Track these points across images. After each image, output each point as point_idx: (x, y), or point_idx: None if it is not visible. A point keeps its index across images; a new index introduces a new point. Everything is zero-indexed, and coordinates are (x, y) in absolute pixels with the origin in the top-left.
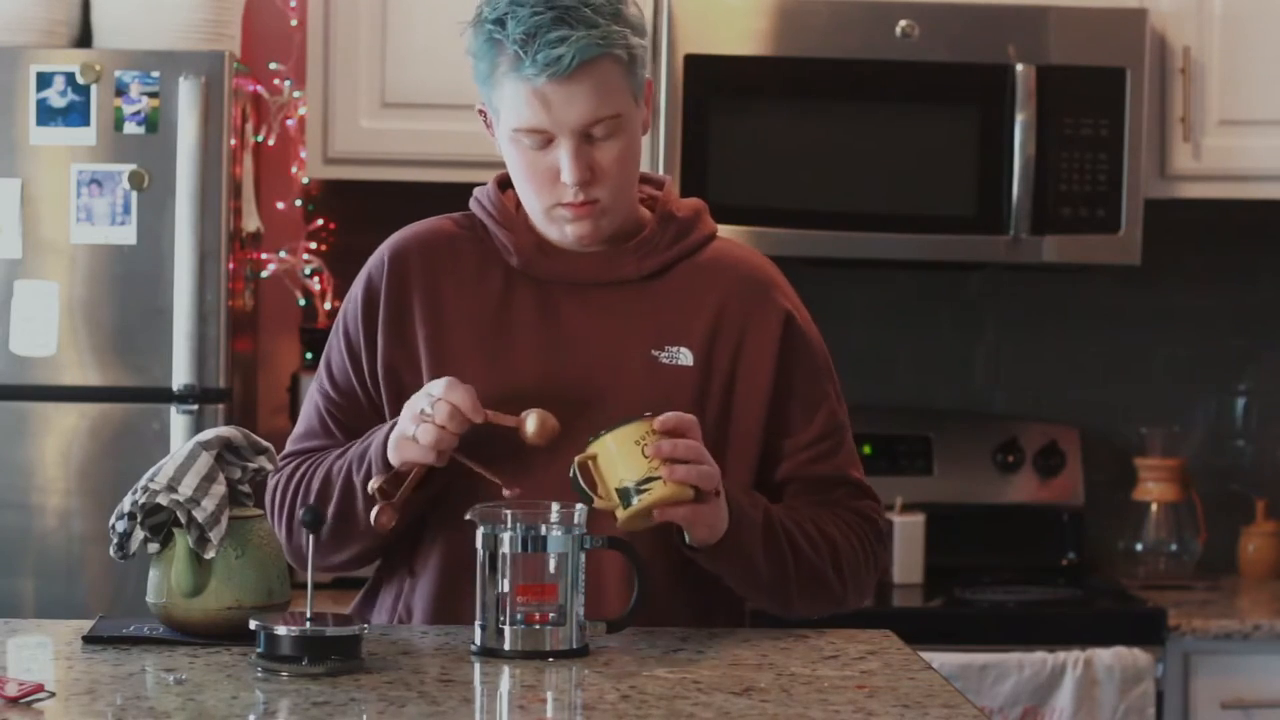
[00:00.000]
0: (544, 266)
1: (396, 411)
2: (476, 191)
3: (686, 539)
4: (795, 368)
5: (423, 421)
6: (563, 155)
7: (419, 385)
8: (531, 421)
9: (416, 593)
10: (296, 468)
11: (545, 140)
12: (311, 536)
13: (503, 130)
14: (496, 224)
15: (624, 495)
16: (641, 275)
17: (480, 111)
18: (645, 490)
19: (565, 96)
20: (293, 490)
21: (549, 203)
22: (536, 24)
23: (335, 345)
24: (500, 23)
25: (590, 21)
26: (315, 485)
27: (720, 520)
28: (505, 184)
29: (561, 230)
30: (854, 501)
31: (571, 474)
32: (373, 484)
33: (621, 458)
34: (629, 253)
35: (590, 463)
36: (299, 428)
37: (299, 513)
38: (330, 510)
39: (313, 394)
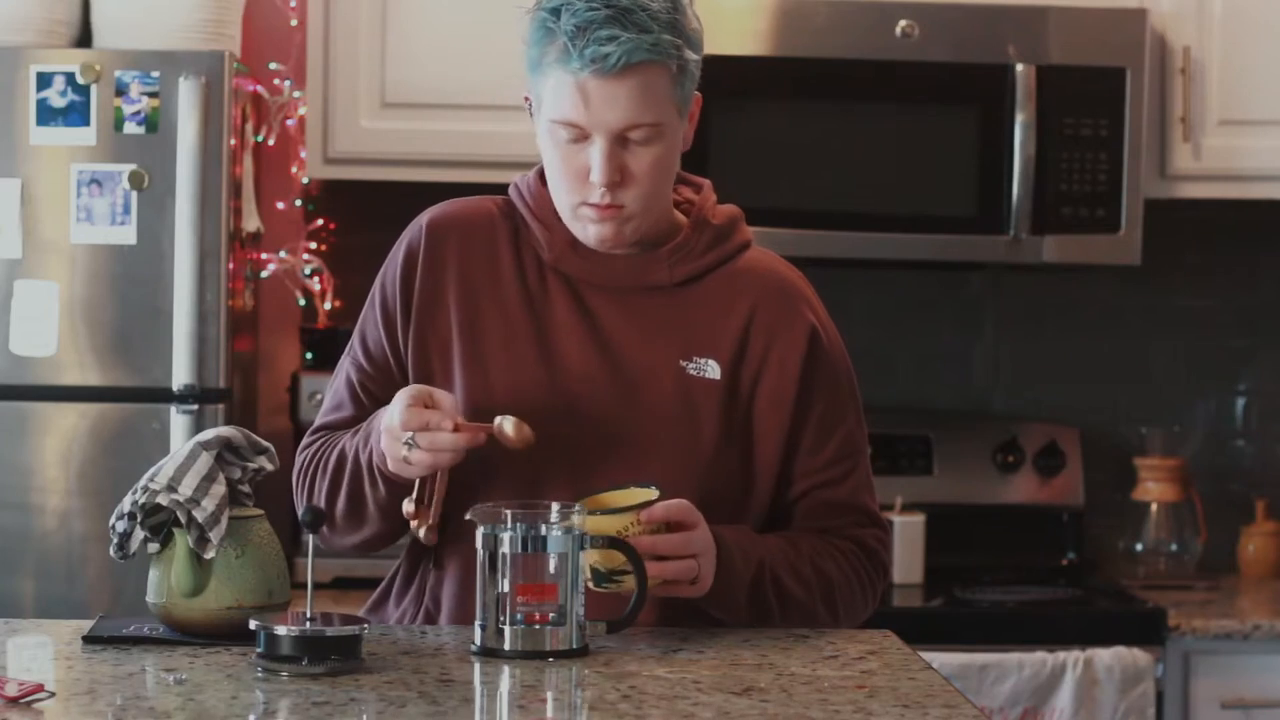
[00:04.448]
0: (576, 265)
1: (422, 382)
2: (517, 180)
3: None
4: (816, 385)
5: (413, 448)
6: (595, 155)
7: (446, 368)
8: (509, 426)
9: (444, 585)
10: (323, 444)
11: (580, 136)
12: (312, 536)
13: (541, 120)
14: (534, 217)
15: (596, 576)
16: (674, 282)
17: (526, 98)
18: (617, 581)
19: (607, 95)
20: (312, 468)
21: (576, 200)
22: (590, 19)
23: (370, 316)
24: (556, 13)
25: (644, 26)
26: (332, 463)
27: (699, 591)
28: (545, 176)
29: (584, 229)
30: (859, 530)
31: None
32: (406, 508)
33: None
34: (662, 258)
35: None
36: (328, 402)
37: (315, 497)
38: (343, 491)
39: (344, 368)
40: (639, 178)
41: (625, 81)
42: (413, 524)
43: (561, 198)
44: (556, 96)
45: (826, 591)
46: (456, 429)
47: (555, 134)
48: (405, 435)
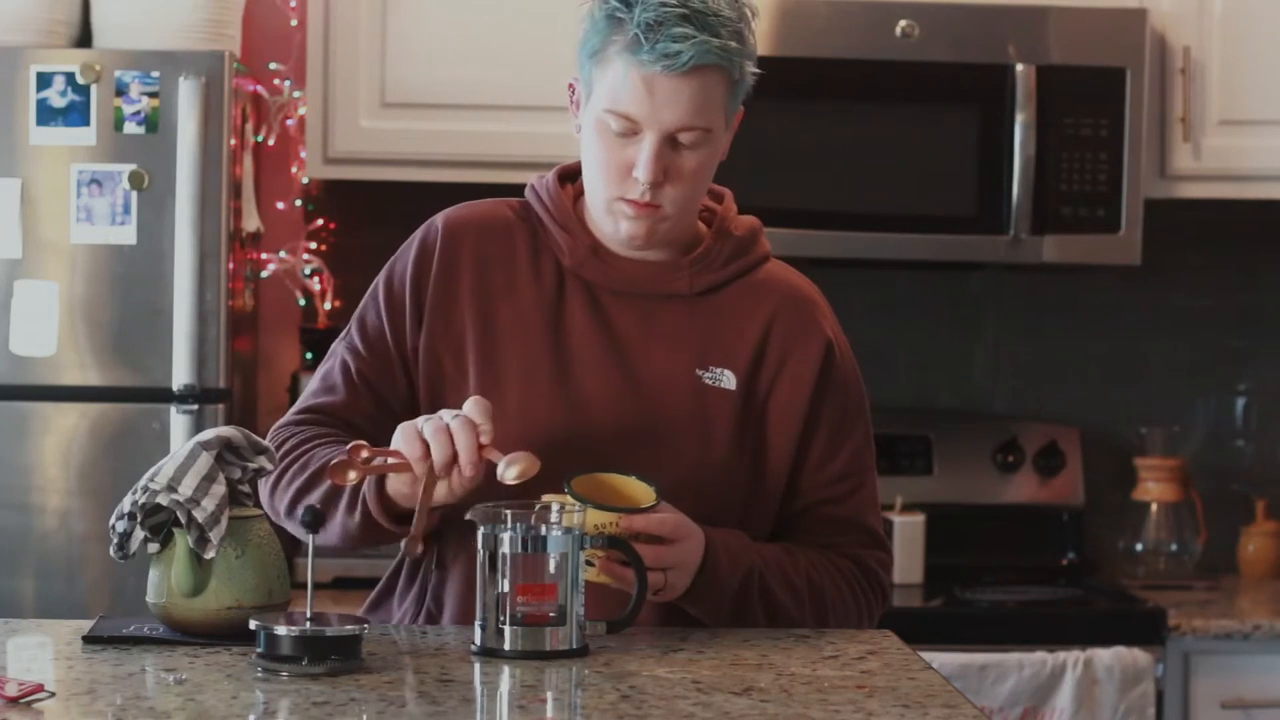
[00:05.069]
0: (596, 271)
1: (427, 394)
2: (534, 182)
3: None
4: (828, 400)
5: (438, 419)
6: (644, 150)
7: (460, 371)
8: (513, 471)
9: (447, 586)
10: (305, 439)
11: (631, 130)
12: (311, 536)
13: (591, 109)
14: (553, 220)
15: None
16: (694, 292)
17: (570, 86)
18: (586, 566)
19: (669, 92)
20: (289, 460)
21: (614, 194)
22: (665, 15)
23: (373, 307)
24: (628, 4)
25: (715, 30)
26: (311, 467)
27: (661, 599)
28: (564, 178)
29: (617, 226)
30: (861, 550)
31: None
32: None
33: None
34: (684, 268)
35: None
36: (316, 384)
37: (281, 487)
38: (313, 498)
39: (337, 352)
40: (681, 180)
41: (689, 82)
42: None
43: (599, 191)
44: (616, 87)
45: (818, 606)
46: (482, 449)
47: (605, 125)
48: (452, 413)
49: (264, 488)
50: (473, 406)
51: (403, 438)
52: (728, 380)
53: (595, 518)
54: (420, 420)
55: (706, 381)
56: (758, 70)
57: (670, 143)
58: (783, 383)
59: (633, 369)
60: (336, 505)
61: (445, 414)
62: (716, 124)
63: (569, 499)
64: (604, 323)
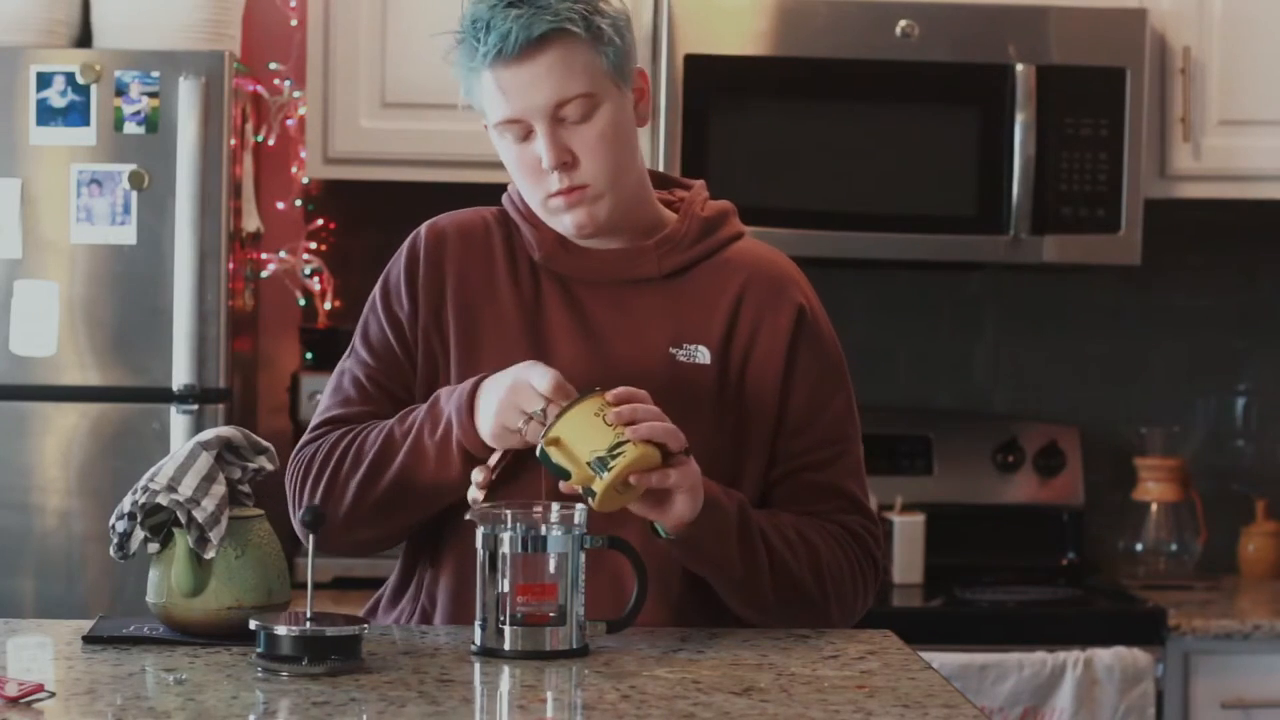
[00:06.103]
0: (566, 263)
1: (427, 385)
2: (510, 187)
3: (661, 532)
4: (801, 363)
5: (532, 420)
6: (538, 141)
7: (446, 372)
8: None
9: (440, 584)
10: (342, 436)
11: (524, 131)
12: (312, 536)
13: (491, 133)
14: (523, 219)
15: (597, 467)
16: (662, 274)
17: (485, 125)
18: (618, 455)
19: (525, 79)
20: (335, 459)
21: (542, 195)
22: (490, 11)
23: (372, 318)
24: (462, 22)
25: (542, 3)
26: (372, 450)
27: (696, 484)
28: None
29: (561, 222)
30: (844, 516)
31: (540, 454)
32: (477, 478)
33: (586, 431)
34: (649, 251)
35: (555, 446)
36: (329, 400)
37: (336, 488)
38: (388, 477)
39: (346, 369)
40: (589, 153)
41: (538, 59)
42: (478, 493)
43: (531, 198)
44: (489, 100)
45: (813, 561)
46: None
47: (503, 139)
48: (537, 406)
49: (306, 497)
50: (554, 378)
51: (528, 440)
52: (702, 355)
53: (584, 411)
54: (519, 424)
55: (680, 359)
56: (616, 19)
57: (559, 123)
58: (757, 351)
59: (608, 355)
60: (415, 479)
61: (529, 399)
62: (596, 87)
63: (555, 435)
64: (579, 313)
